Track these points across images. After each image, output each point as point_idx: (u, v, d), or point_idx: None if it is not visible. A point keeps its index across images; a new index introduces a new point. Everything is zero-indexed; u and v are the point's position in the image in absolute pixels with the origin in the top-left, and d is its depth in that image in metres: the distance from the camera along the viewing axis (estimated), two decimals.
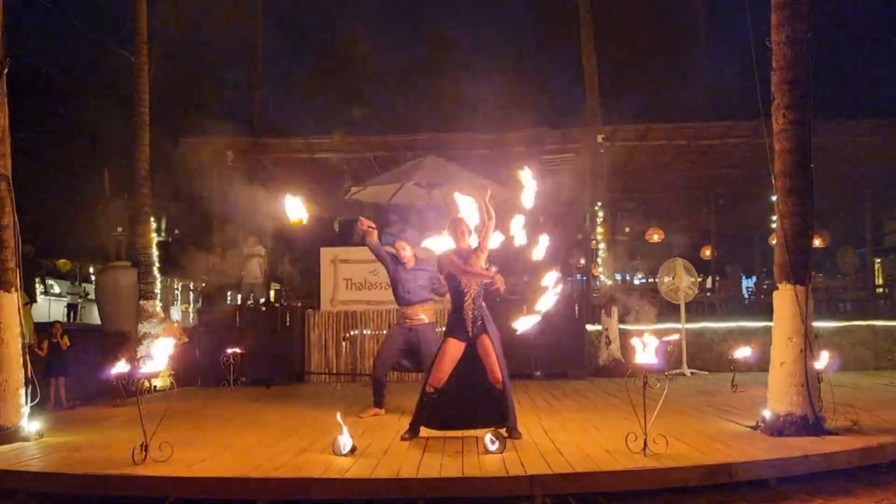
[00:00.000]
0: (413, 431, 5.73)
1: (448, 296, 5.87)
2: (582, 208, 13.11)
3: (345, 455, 5.02)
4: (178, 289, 24.58)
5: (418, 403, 5.73)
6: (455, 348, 5.63)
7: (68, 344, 9.02)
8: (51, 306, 21.99)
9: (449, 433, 5.71)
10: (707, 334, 11.29)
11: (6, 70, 6.31)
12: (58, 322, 9.91)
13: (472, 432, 5.64)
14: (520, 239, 5.61)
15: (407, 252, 7.01)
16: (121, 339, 10.88)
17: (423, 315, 7.00)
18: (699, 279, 11.40)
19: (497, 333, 5.70)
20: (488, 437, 5.10)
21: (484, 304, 5.74)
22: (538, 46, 33.17)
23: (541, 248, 5.59)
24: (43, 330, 9.48)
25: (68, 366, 8.94)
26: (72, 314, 22.35)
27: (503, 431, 5.38)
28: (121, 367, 5.29)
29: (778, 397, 5.58)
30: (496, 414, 5.57)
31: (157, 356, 5.45)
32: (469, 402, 5.63)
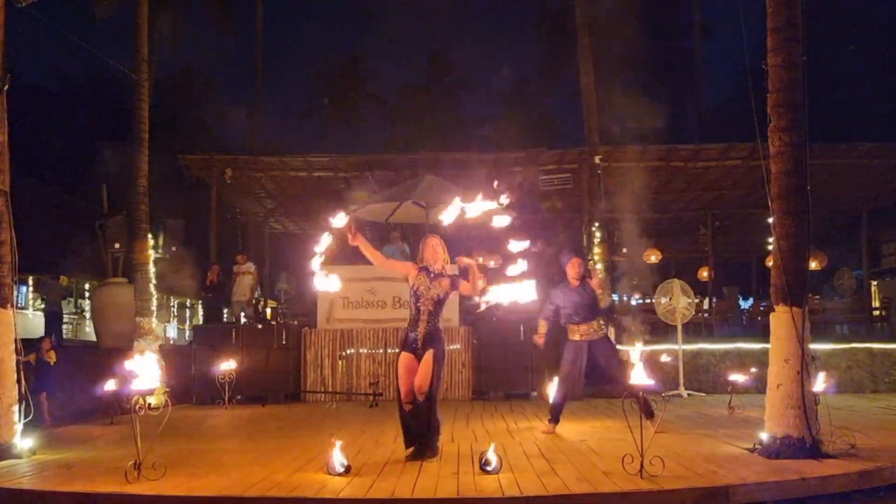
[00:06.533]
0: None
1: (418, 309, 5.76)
2: (579, 228, 13.14)
3: (339, 475, 4.97)
4: (174, 306, 24.52)
5: (402, 425, 5.67)
6: (409, 360, 5.58)
7: (55, 360, 8.93)
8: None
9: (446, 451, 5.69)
10: (704, 355, 11.26)
11: (6, 86, 6.33)
12: (48, 337, 9.75)
13: (467, 451, 5.59)
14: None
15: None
16: (116, 356, 10.81)
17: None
18: (696, 300, 11.38)
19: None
20: (484, 457, 5.07)
21: (440, 326, 5.68)
22: (537, 68, 33.46)
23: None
24: (32, 345, 9.39)
25: (53, 382, 8.84)
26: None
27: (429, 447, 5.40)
28: (115, 384, 5.25)
29: (775, 419, 5.56)
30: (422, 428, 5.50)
31: (145, 373, 5.35)
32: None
